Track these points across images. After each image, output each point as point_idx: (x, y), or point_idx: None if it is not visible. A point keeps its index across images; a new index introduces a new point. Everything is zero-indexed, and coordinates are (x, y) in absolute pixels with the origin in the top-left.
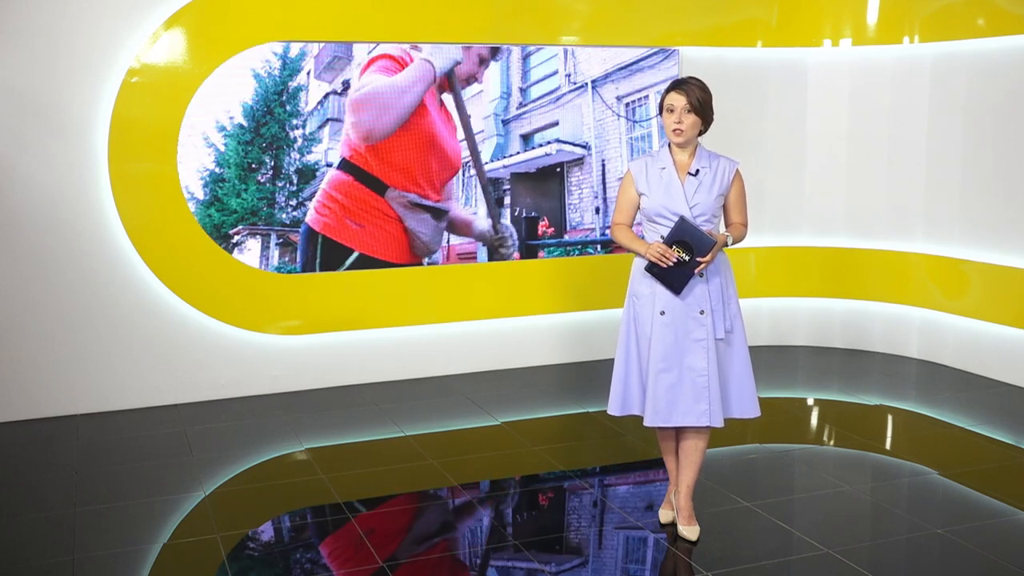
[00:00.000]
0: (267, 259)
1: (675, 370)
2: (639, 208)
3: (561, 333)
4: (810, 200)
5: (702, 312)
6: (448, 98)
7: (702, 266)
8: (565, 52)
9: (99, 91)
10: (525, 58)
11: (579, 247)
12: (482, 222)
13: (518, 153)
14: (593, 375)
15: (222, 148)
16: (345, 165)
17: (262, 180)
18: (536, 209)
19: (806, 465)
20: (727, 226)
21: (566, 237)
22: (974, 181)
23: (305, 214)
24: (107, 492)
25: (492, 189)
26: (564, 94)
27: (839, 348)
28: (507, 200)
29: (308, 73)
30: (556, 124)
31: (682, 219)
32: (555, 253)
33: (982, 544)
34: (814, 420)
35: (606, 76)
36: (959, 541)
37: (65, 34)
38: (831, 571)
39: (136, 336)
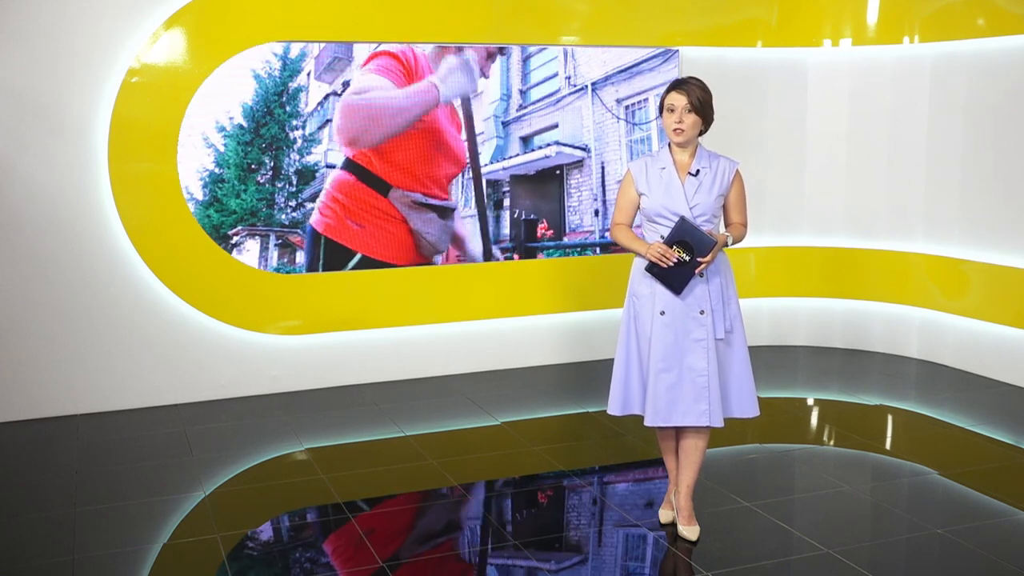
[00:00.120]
0: (266, 260)
1: (675, 370)
2: (639, 208)
3: (561, 333)
4: (810, 200)
5: (702, 312)
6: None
7: (702, 266)
8: (565, 54)
9: (99, 91)
10: (525, 60)
11: (578, 249)
12: (475, 246)
13: (517, 155)
14: (593, 375)
15: (221, 148)
16: (348, 165)
17: (261, 181)
18: (535, 211)
19: (806, 465)
20: (727, 226)
21: (565, 240)
22: (974, 181)
23: (305, 215)
24: (107, 492)
25: (491, 192)
26: (564, 96)
27: (839, 348)
28: (506, 202)
29: (308, 74)
30: (556, 126)
31: (682, 219)
32: (554, 255)
33: (982, 544)
34: (814, 420)
35: (606, 79)
36: (959, 541)
37: (65, 34)
38: (831, 571)
39: (136, 336)
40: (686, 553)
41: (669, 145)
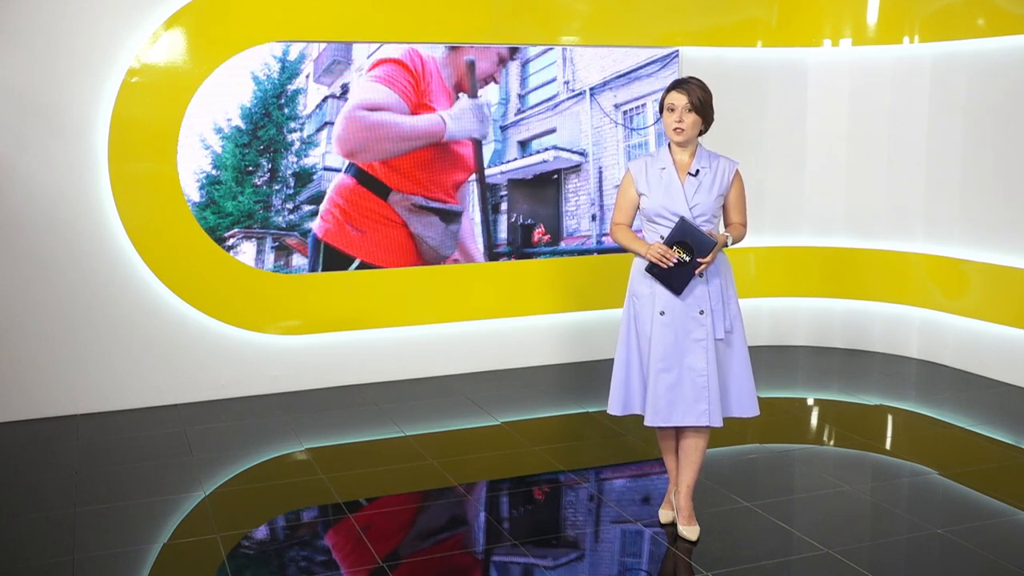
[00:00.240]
0: (262, 263)
1: (675, 370)
2: (639, 208)
3: (561, 333)
4: (810, 200)
5: (702, 312)
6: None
7: (702, 267)
8: (563, 59)
9: (99, 91)
10: (524, 64)
11: (575, 255)
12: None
13: (515, 159)
14: (593, 375)
15: (219, 150)
16: (351, 168)
17: (258, 183)
18: (533, 216)
19: (806, 465)
20: (727, 226)
21: (562, 244)
22: (974, 181)
23: (301, 218)
24: (107, 492)
25: (489, 196)
26: (562, 101)
27: (839, 348)
28: (503, 206)
29: (307, 76)
30: (554, 131)
31: (682, 220)
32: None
33: (982, 544)
34: (814, 420)
35: (604, 84)
36: (959, 541)
37: (65, 34)
38: (831, 571)
39: (136, 336)
40: (686, 553)
41: (669, 145)
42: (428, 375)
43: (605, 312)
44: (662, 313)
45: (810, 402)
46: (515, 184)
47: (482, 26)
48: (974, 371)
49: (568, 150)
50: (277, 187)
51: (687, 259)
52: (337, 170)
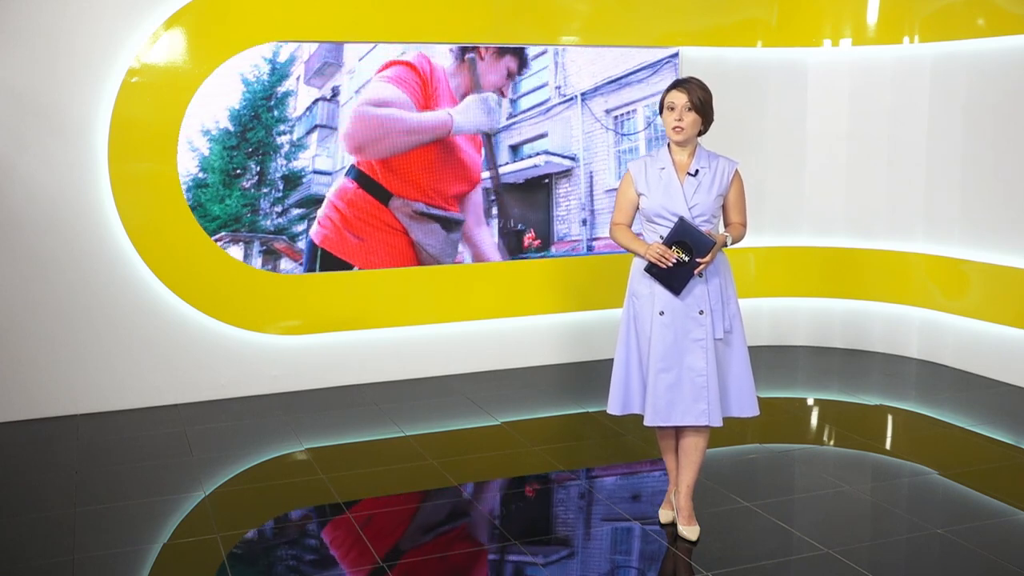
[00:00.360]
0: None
1: (674, 370)
2: (638, 208)
3: (561, 333)
4: (810, 200)
5: (701, 312)
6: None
7: (702, 267)
8: (555, 64)
9: (99, 91)
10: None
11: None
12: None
13: (507, 164)
14: (593, 375)
15: (206, 152)
16: (353, 172)
17: (246, 186)
18: (523, 220)
19: (806, 465)
20: (726, 226)
21: (552, 250)
22: (974, 181)
23: (290, 222)
24: (107, 492)
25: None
26: (553, 106)
27: (839, 348)
28: (495, 211)
29: (298, 78)
30: (545, 135)
31: (681, 220)
32: None
33: (982, 544)
34: (814, 420)
35: (595, 89)
36: (959, 541)
37: (65, 34)
38: (831, 571)
39: (136, 336)
40: (686, 553)
41: (669, 145)
42: (428, 375)
43: (605, 312)
44: (661, 313)
45: (810, 402)
46: (506, 188)
47: (482, 26)
48: (974, 371)
49: (559, 155)
50: (265, 190)
51: (686, 259)
52: (328, 173)
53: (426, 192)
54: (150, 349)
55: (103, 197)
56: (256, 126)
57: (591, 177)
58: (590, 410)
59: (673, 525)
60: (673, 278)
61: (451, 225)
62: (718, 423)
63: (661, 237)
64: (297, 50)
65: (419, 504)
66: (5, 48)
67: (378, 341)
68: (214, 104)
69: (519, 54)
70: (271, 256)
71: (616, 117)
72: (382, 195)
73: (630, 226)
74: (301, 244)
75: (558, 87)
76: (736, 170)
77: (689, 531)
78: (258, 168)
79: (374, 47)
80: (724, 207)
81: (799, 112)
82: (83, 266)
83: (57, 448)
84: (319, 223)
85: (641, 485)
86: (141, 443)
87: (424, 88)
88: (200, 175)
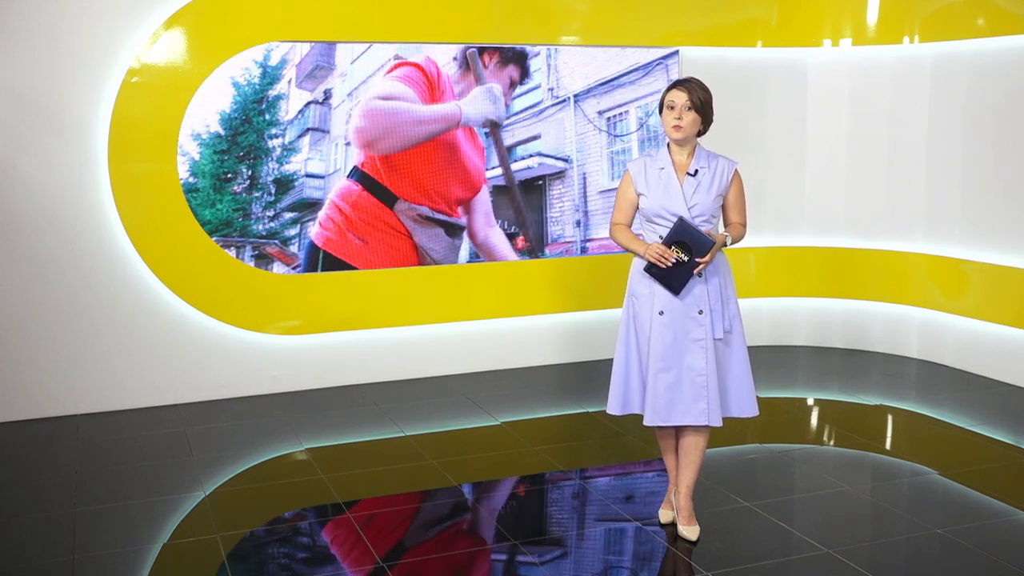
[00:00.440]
0: None
1: (674, 370)
2: (638, 208)
3: (561, 333)
4: (810, 200)
5: (700, 312)
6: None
7: (701, 266)
8: (548, 66)
9: (99, 91)
10: None
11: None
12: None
13: (495, 167)
14: (593, 375)
15: (196, 156)
16: (356, 173)
17: (237, 190)
18: (516, 222)
19: (806, 465)
20: (726, 226)
21: (546, 252)
22: (974, 181)
23: (283, 226)
24: (107, 492)
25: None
26: (546, 108)
27: (839, 348)
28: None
29: (289, 81)
30: (538, 137)
31: (681, 220)
32: None
33: (982, 544)
34: (814, 420)
35: (588, 91)
36: (959, 541)
37: (65, 34)
38: (831, 571)
39: (136, 336)
40: (686, 553)
41: (668, 145)
42: (428, 375)
43: (605, 312)
44: (661, 313)
45: (810, 402)
46: (499, 190)
47: (482, 26)
48: (974, 371)
49: (552, 156)
50: (257, 194)
51: (685, 259)
52: (320, 177)
53: (430, 196)
54: (150, 349)
55: (103, 197)
56: (247, 130)
57: (584, 179)
58: (590, 410)
59: (673, 525)
60: (672, 278)
61: (454, 231)
62: (718, 423)
63: (660, 237)
64: (288, 53)
65: (419, 504)
66: (5, 48)
67: (378, 341)
68: (204, 108)
69: (522, 63)
70: (263, 260)
71: (609, 119)
72: (387, 198)
73: (630, 226)
74: (294, 248)
75: (551, 89)
76: (736, 170)
77: (689, 531)
78: (249, 172)
79: (367, 48)
80: (724, 207)
81: (799, 112)
82: (83, 266)
83: (57, 448)
84: (321, 225)
85: (641, 485)
86: (141, 443)
87: (431, 89)
88: (190, 180)
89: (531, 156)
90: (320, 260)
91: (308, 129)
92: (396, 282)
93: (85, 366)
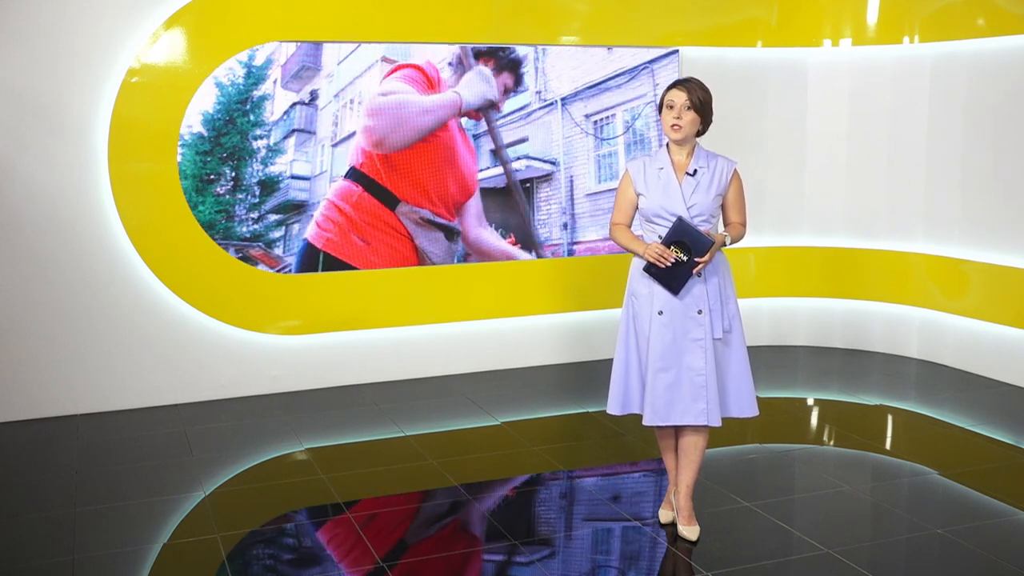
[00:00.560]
0: None
1: (673, 369)
2: (637, 208)
3: (561, 333)
4: (810, 200)
5: (700, 312)
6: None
7: (700, 266)
8: (535, 70)
9: (99, 91)
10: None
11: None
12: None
13: (488, 168)
14: (593, 375)
15: (178, 158)
16: (355, 174)
17: (220, 192)
18: (504, 224)
19: (806, 465)
20: (726, 226)
21: (545, 252)
22: (974, 181)
23: (267, 228)
24: (107, 492)
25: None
26: (534, 111)
27: (839, 348)
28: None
29: (275, 82)
30: (526, 140)
31: (680, 219)
32: None
33: (982, 544)
34: (814, 420)
35: (575, 94)
36: (959, 541)
37: (65, 34)
38: (831, 571)
39: (136, 336)
40: (686, 553)
41: (667, 145)
42: (428, 375)
43: (605, 312)
44: (660, 313)
45: (810, 402)
46: (487, 193)
47: (482, 26)
48: (974, 371)
49: (540, 159)
50: (241, 196)
51: (685, 259)
52: (306, 178)
53: (431, 198)
54: (150, 349)
55: (103, 197)
56: (231, 131)
57: (571, 181)
58: (590, 410)
59: (673, 525)
60: (672, 278)
61: (452, 235)
62: (717, 423)
63: (660, 237)
64: (274, 53)
65: (419, 504)
66: (5, 48)
67: (378, 341)
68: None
69: (515, 70)
70: (247, 263)
71: (595, 122)
72: (389, 200)
73: (629, 226)
74: (278, 251)
75: (538, 92)
76: (735, 170)
77: (689, 531)
78: (233, 174)
79: (354, 49)
80: (723, 207)
81: (799, 112)
82: (83, 266)
83: (57, 448)
84: (319, 226)
85: (641, 485)
86: (141, 443)
87: (432, 90)
88: None
89: (519, 159)
90: (320, 261)
91: (294, 130)
92: (396, 282)
93: (85, 366)
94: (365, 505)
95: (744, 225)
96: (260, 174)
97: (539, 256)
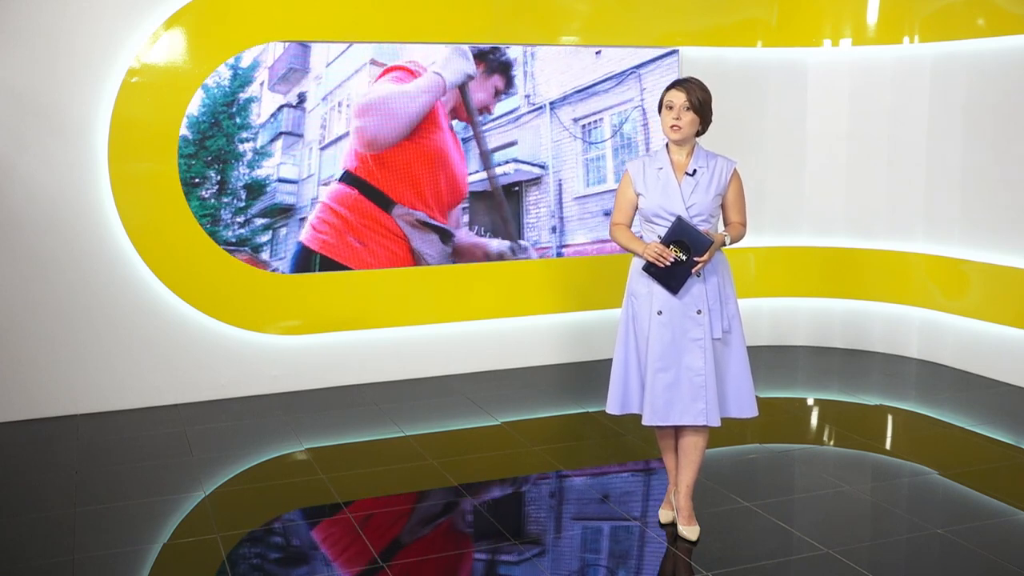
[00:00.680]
0: None
1: (672, 369)
2: (637, 208)
3: (561, 333)
4: (810, 200)
5: (699, 312)
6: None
7: (699, 266)
8: (524, 73)
9: (99, 91)
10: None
11: None
12: (499, 245)
13: (477, 172)
14: (593, 375)
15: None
16: (349, 178)
17: (205, 196)
18: (493, 227)
19: (806, 465)
20: (726, 226)
21: (532, 254)
22: (974, 181)
23: (253, 232)
24: (107, 492)
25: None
26: (523, 115)
27: (839, 348)
28: (465, 218)
29: (261, 84)
30: (515, 143)
31: (679, 219)
32: None
33: (982, 544)
34: (814, 420)
35: (564, 98)
36: (959, 541)
37: (65, 34)
38: (831, 571)
39: (136, 336)
40: (686, 553)
41: (667, 145)
42: (428, 375)
43: (605, 312)
44: (660, 312)
45: (810, 402)
46: (476, 196)
47: (482, 26)
48: (974, 371)
49: (528, 163)
50: (226, 200)
51: (684, 258)
52: (294, 182)
53: (425, 199)
54: (150, 349)
55: (103, 197)
56: (216, 134)
57: (560, 185)
58: (590, 410)
59: (673, 525)
60: (671, 277)
61: (447, 237)
62: (716, 423)
63: (659, 237)
64: (261, 55)
65: (419, 504)
66: (5, 48)
67: (378, 341)
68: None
69: (506, 73)
70: None
71: (584, 126)
72: (384, 202)
73: (629, 226)
74: (265, 255)
75: (527, 96)
76: (734, 170)
77: (689, 531)
78: (219, 177)
79: (347, 48)
80: (723, 207)
81: (799, 112)
82: (83, 266)
83: (57, 448)
84: (314, 228)
85: (641, 485)
86: (141, 443)
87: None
88: None
89: (507, 162)
90: (316, 264)
91: (281, 133)
92: (396, 282)
93: (85, 366)
94: (365, 505)
95: (744, 225)
96: (246, 177)
97: (517, 249)
